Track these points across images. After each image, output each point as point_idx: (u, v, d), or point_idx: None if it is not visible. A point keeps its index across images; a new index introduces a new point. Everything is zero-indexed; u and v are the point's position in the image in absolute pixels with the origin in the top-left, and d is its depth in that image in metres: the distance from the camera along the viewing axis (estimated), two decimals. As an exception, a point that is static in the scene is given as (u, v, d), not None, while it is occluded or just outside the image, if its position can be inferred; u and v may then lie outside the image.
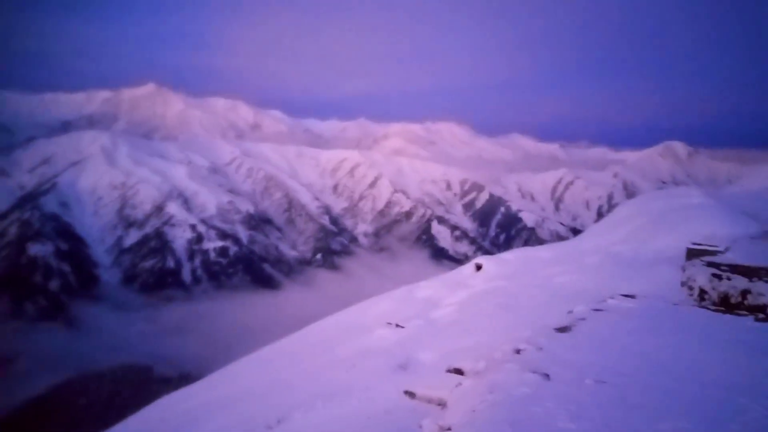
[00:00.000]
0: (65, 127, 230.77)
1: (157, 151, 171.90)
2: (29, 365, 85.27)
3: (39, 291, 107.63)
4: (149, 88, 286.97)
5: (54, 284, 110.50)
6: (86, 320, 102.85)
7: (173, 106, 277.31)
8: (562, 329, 6.97)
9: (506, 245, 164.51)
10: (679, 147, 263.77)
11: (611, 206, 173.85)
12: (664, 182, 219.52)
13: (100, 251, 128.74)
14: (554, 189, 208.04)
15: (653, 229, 21.45)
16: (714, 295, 9.48)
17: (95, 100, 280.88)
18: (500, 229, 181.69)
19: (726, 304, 9.25)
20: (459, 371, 6.60)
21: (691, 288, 10.00)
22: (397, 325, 13.04)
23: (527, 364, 5.46)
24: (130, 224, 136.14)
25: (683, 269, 10.68)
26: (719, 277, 9.48)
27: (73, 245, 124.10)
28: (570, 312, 8.21)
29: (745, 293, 9.06)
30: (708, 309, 8.91)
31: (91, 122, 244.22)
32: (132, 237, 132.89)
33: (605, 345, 6.41)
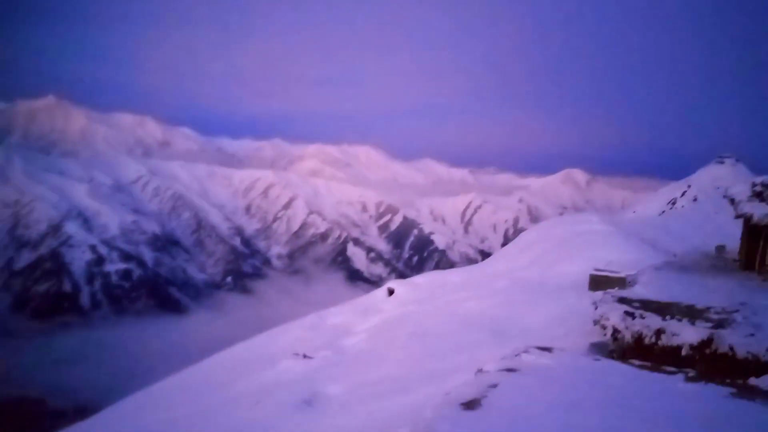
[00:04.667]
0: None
1: (56, 167, 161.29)
2: None
3: None
4: (48, 100, 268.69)
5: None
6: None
7: (75, 121, 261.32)
8: (470, 404, 5.84)
9: (419, 267, 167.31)
10: (579, 174, 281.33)
11: (517, 229, 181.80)
12: (565, 207, 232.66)
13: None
14: (464, 212, 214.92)
15: (557, 254, 22.72)
16: (627, 335, 9.09)
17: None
18: (413, 251, 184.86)
19: (641, 347, 8.84)
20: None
21: (604, 327, 9.56)
22: (305, 356, 12.58)
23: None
24: (22, 245, 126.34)
25: (595, 306, 10.23)
26: (632, 315, 9.18)
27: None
28: (479, 371, 7.12)
29: (659, 333, 8.73)
30: (632, 365, 8.06)
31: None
32: (24, 258, 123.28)
33: (522, 430, 5.34)
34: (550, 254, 22.66)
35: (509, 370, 7.06)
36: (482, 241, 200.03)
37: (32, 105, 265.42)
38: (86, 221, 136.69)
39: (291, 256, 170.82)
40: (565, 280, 16.60)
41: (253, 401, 10.29)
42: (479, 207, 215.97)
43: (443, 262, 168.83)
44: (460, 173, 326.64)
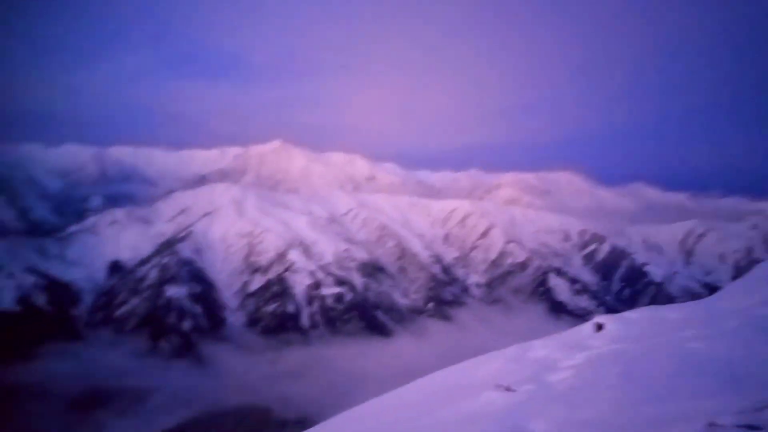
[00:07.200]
0: (201, 180, 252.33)
1: (281, 203, 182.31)
2: (164, 399, 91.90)
3: (173, 330, 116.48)
4: (275, 144, 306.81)
5: (186, 324, 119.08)
6: (214, 360, 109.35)
7: (297, 161, 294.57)
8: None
9: (631, 301, 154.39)
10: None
11: (751, 261, 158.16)
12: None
13: (228, 295, 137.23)
14: (684, 241, 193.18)
15: (804, 290, 19.61)
16: None
17: (227, 156, 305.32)
18: (624, 284, 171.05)
19: None
20: None
21: None
22: (508, 389, 12.36)
23: None
24: (255, 270, 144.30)
25: None
26: None
27: (204, 289, 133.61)
28: (711, 425, 6.06)
29: None
30: None
31: (223, 176, 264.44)
32: (256, 282, 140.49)
33: None
34: (795, 291, 19.61)
35: (751, 427, 5.77)
36: (707, 273, 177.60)
37: (262, 149, 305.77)
38: (306, 249, 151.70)
39: (489, 285, 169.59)
40: (816, 322, 14.29)
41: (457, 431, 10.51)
42: (702, 235, 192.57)
43: (660, 296, 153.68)
44: (676, 197, 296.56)
